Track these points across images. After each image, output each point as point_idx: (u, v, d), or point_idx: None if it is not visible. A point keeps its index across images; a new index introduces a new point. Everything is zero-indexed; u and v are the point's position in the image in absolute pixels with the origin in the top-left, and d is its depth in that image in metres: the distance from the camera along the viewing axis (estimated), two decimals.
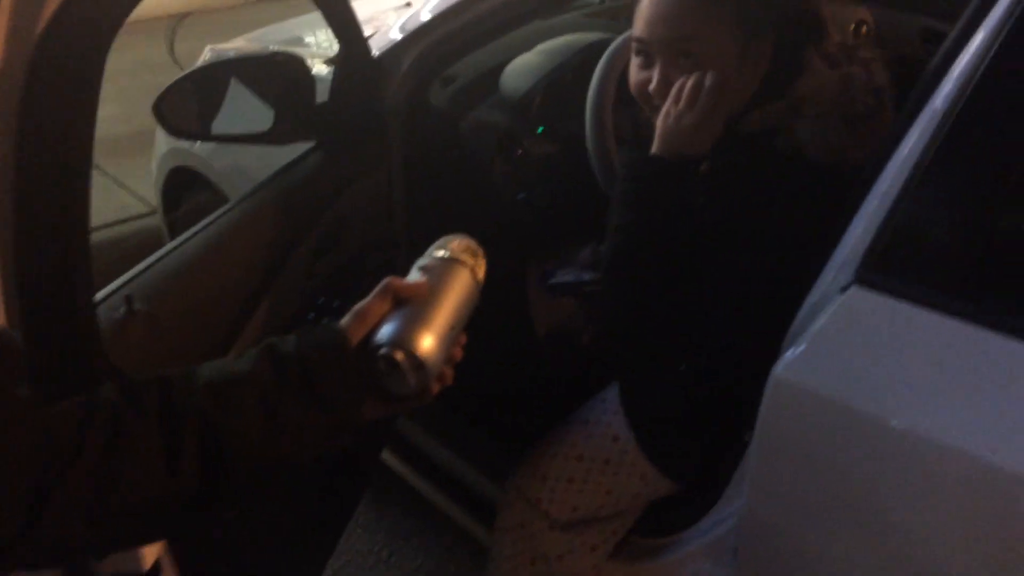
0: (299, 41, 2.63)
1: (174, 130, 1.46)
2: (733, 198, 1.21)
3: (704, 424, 1.35)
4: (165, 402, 0.73)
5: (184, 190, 2.42)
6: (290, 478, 0.78)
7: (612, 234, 1.25)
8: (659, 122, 1.21)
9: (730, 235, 1.20)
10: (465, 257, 0.90)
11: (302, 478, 1.35)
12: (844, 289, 1.02)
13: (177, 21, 2.46)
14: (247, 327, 1.17)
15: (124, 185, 3.84)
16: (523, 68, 1.83)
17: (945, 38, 1.96)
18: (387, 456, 1.93)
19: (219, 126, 1.55)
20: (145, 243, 2.75)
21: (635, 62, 1.26)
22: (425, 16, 1.69)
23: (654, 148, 1.21)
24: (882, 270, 1.00)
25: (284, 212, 1.34)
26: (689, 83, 1.17)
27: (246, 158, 1.94)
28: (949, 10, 2.03)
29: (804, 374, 1.03)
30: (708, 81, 1.17)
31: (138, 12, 0.94)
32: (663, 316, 1.26)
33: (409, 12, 1.82)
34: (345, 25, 1.41)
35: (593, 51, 1.76)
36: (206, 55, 2.53)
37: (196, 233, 1.16)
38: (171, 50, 2.37)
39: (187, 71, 1.44)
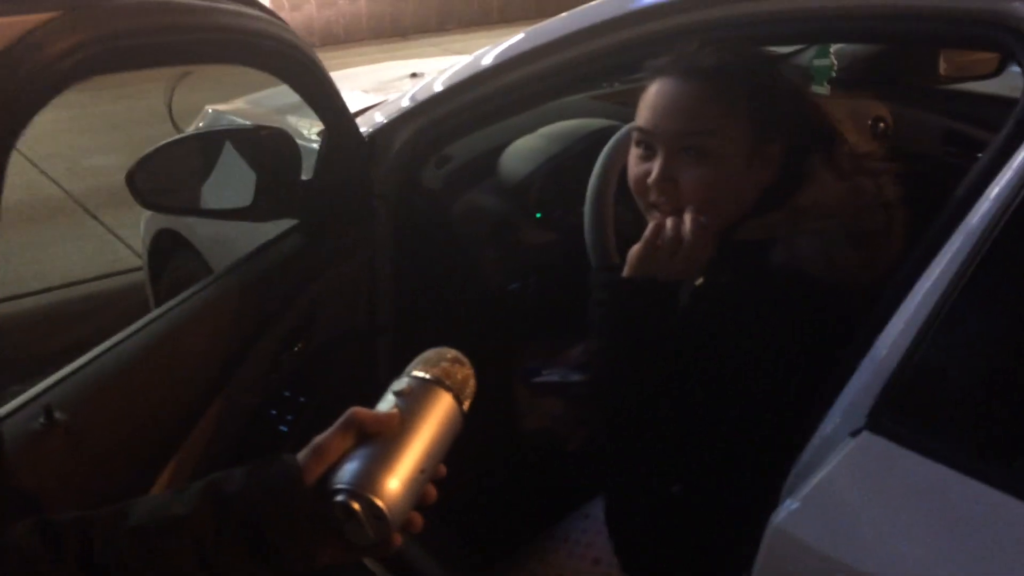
0: (302, 105, 2.58)
1: (148, 203, 1.38)
2: (726, 315, 1.12)
3: (697, 559, 1.23)
4: (86, 549, 0.65)
5: (172, 252, 2.35)
6: None
7: (591, 360, 1.17)
8: (638, 248, 1.12)
9: (723, 354, 1.10)
10: (449, 378, 0.78)
11: None
12: (854, 434, 0.91)
13: (179, 77, 2.41)
14: (194, 430, 1.06)
15: (119, 237, 3.78)
16: (523, 152, 1.76)
17: (969, 143, 1.89)
18: None
19: (197, 199, 1.48)
20: (135, 298, 2.67)
21: (635, 152, 1.19)
22: (424, 92, 1.62)
23: (626, 270, 1.13)
24: (898, 416, 0.89)
25: (252, 298, 1.25)
26: (687, 238, 1.09)
27: (228, 227, 1.86)
28: (975, 114, 1.99)
29: (806, 528, 0.92)
30: (696, 224, 1.09)
31: None
32: (653, 436, 1.15)
33: (415, 84, 1.75)
34: (326, 104, 1.33)
35: (597, 138, 1.69)
36: (206, 115, 2.48)
37: (136, 331, 1.06)
38: (169, 106, 2.31)
39: (163, 143, 1.36)
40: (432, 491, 0.77)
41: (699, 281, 1.14)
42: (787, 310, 1.08)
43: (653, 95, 1.15)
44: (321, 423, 1.36)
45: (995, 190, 0.92)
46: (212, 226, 1.99)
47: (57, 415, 0.85)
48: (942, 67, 2.09)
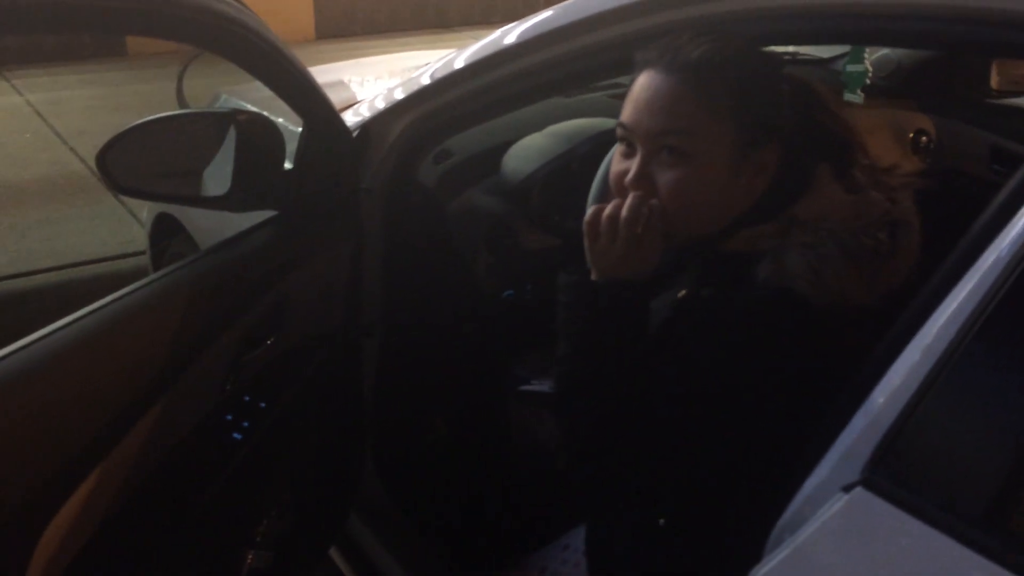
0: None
1: (118, 186, 1.30)
2: (707, 331, 1.02)
3: None
4: None
5: (172, 235, 2.28)
6: None
7: (555, 367, 1.08)
8: (587, 246, 1.05)
9: (702, 374, 1.01)
10: None
11: None
12: (848, 488, 0.80)
13: (191, 58, 2.34)
14: (129, 433, 0.98)
15: (138, 218, 3.74)
16: (527, 150, 1.66)
17: (1017, 161, 1.76)
18: (335, 555, 1.73)
19: (173, 184, 1.40)
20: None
21: (619, 150, 1.10)
22: (423, 81, 1.51)
23: (592, 273, 1.07)
24: (896, 474, 0.78)
25: (214, 290, 1.17)
26: (623, 214, 1.02)
27: (219, 214, 1.78)
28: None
29: None
30: (644, 213, 1.02)
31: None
32: (628, 458, 1.06)
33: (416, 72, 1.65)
34: (299, 94, 1.24)
35: (605, 139, 1.59)
36: (217, 98, 2.41)
37: (75, 320, 0.98)
38: (179, 89, 2.24)
39: (136, 123, 1.28)
40: None
41: (681, 293, 1.04)
42: (771, 330, 0.98)
43: (637, 89, 1.05)
44: (280, 432, 1.29)
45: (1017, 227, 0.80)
46: (203, 212, 1.92)
47: None
48: (994, 80, 1.96)
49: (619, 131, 1.07)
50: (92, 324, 1.01)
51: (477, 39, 1.48)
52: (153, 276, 1.16)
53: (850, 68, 1.81)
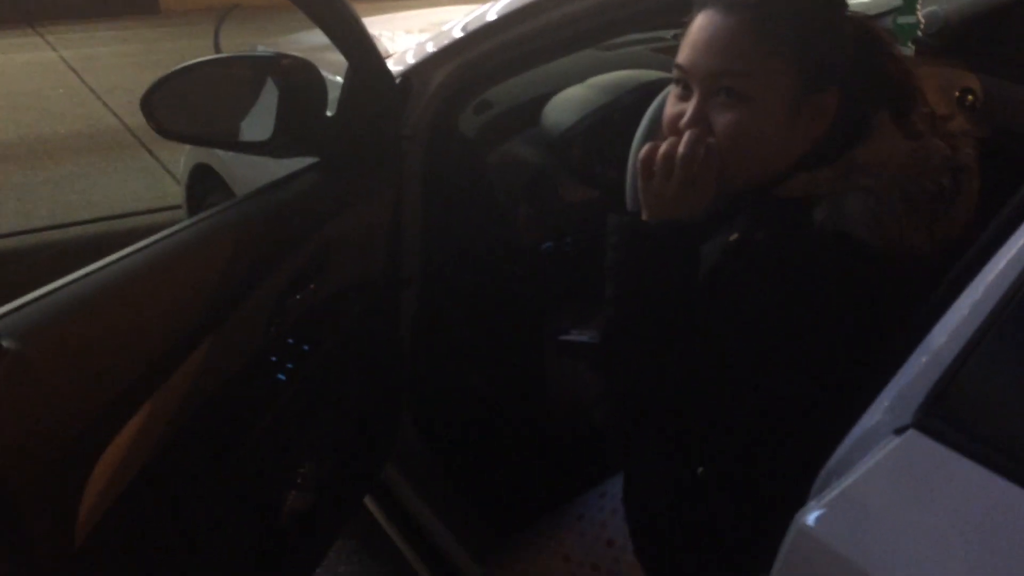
0: None
1: (163, 130, 1.31)
2: (759, 275, 1.00)
3: (716, 552, 1.13)
4: None
5: (207, 188, 2.30)
6: None
7: (605, 309, 1.06)
8: (640, 185, 1.03)
9: (753, 320, 0.99)
10: None
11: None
12: (899, 431, 0.79)
13: (225, 13, 2.33)
14: (177, 371, 0.99)
15: (171, 172, 3.76)
16: (568, 102, 1.64)
17: None
18: (370, 504, 1.76)
19: (217, 128, 1.41)
20: None
21: (673, 92, 1.08)
22: (465, 30, 1.50)
23: (643, 213, 1.04)
24: (951, 417, 0.77)
25: (257, 235, 1.17)
26: (679, 151, 1.00)
27: (258, 162, 1.78)
28: None
29: (834, 532, 0.81)
30: (700, 151, 1.00)
31: None
32: (672, 406, 1.05)
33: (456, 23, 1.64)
34: (348, 37, 1.23)
35: (648, 91, 1.56)
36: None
37: (124, 257, 0.98)
38: (216, 43, 2.24)
39: (181, 65, 1.28)
40: None
41: (733, 237, 1.03)
42: (827, 274, 0.96)
43: (695, 29, 1.03)
44: (322, 377, 1.30)
45: None
46: (243, 162, 1.92)
47: (5, 342, 0.78)
48: None
49: (675, 72, 1.05)
50: (138, 262, 1.02)
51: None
52: (197, 217, 1.16)
53: (901, 20, 1.76)
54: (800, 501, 0.88)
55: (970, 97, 1.97)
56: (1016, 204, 0.83)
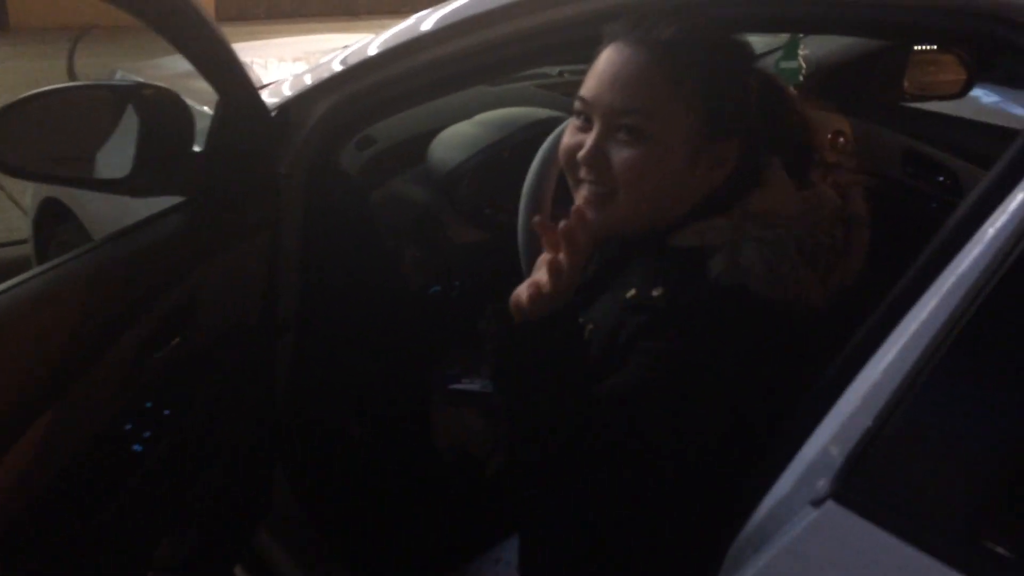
0: None
1: (5, 167, 1.16)
2: (661, 337, 0.95)
3: None
4: None
5: (58, 223, 2.10)
6: None
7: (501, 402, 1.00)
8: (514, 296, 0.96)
9: (654, 380, 0.94)
10: None
11: None
12: (817, 503, 0.75)
13: (81, 33, 2.15)
14: (14, 447, 0.85)
15: (19, 204, 3.46)
16: (456, 139, 1.57)
17: (929, 164, 1.78)
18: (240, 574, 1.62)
19: (68, 164, 1.26)
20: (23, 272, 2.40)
21: (573, 123, 1.04)
22: (347, 62, 1.41)
23: (517, 316, 0.96)
24: (869, 486, 0.74)
25: (112, 286, 1.04)
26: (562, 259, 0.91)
27: (115, 198, 1.63)
28: (936, 134, 1.89)
29: None
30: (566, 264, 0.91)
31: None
32: (571, 472, 0.99)
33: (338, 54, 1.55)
34: (217, 65, 1.13)
35: (539, 130, 1.52)
36: (115, 77, 2.24)
37: None
38: (70, 66, 2.06)
39: (25, 95, 1.14)
40: None
41: (631, 293, 0.98)
42: (726, 329, 0.93)
43: (602, 62, 0.99)
44: (185, 443, 1.17)
45: (993, 228, 0.77)
46: (97, 196, 1.76)
47: None
48: (906, 84, 2.00)
49: (577, 104, 1.01)
50: None
51: (382, 27, 1.40)
52: (41, 268, 1.02)
53: (783, 64, 1.79)
54: (712, 573, 0.84)
55: (841, 139, 2.04)
56: (921, 265, 0.82)
